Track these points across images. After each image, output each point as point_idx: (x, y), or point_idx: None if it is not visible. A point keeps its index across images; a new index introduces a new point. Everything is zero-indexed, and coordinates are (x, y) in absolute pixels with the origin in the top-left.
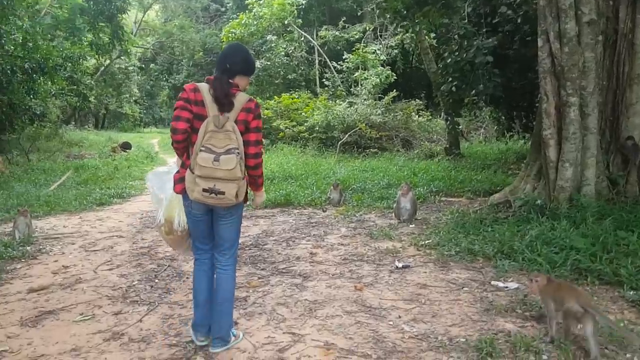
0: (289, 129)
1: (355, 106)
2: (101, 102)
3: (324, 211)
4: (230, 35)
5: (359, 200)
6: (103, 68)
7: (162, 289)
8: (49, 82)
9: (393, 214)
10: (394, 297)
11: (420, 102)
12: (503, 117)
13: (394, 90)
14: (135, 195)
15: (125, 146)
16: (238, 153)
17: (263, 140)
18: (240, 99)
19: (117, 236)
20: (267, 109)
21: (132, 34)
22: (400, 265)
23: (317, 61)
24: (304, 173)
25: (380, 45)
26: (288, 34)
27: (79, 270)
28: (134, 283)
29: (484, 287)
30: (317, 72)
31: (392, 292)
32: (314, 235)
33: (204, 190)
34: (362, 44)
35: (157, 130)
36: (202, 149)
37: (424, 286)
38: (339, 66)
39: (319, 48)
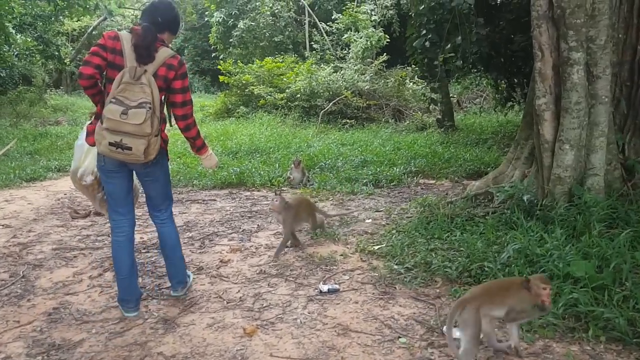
0: (270, 95)
1: (342, 71)
2: None
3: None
4: None
5: (323, 181)
6: (90, 29)
7: None
8: (7, 42)
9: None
10: (293, 352)
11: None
12: (503, 85)
13: (385, 54)
14: None
15: None
16: (150, 108)
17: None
18: (163, 54)
19: (3, 225)
20: (248, 74)
21: None
22: (325, 289)
23: (306, 22)
24: (273, 146)
25: (375, 6)
26: None
27: None
28: None
29: (430, 338)
30: (307, 34)
31: (294, 342)
32: (243, 230)
33: (110, 144)
34: (354, 3)
35: None
36: (113, 100)
37: (345, 331)
38: (328, 28)
39: (308, 8)
